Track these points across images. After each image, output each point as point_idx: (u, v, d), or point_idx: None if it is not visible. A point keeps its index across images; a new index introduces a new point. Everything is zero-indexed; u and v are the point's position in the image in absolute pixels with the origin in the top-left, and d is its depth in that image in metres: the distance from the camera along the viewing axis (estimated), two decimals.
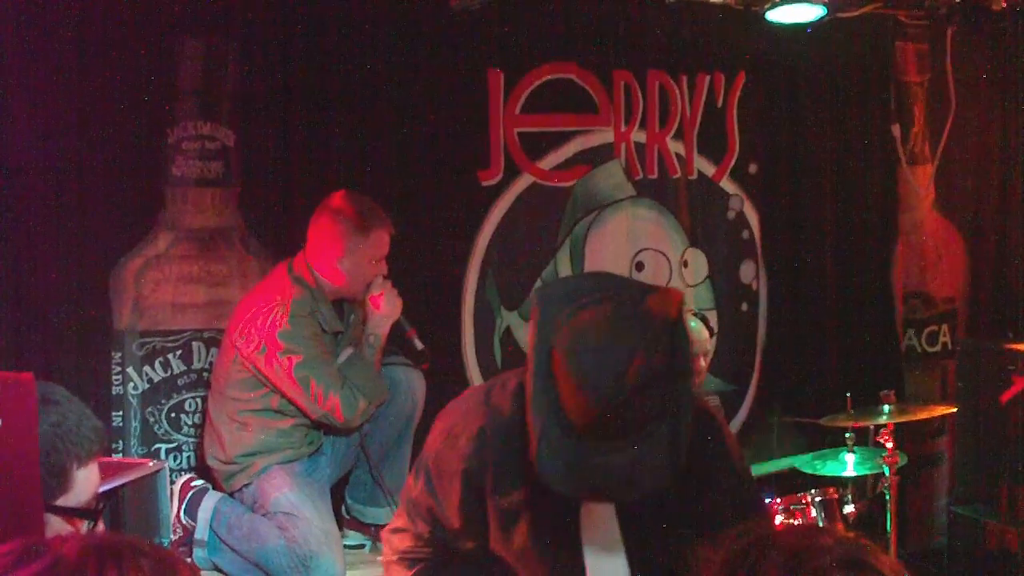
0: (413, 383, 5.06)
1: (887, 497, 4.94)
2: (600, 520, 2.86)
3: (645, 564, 2.89)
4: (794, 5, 5.88)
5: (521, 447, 2.69)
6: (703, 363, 5.52)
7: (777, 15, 5.92)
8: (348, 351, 4.86)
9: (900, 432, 5.01)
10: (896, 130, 6.63)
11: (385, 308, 4.89)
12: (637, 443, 2.45)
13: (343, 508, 5.19)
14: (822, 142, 6.51)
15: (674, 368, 2.47)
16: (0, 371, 2.10)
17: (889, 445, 4.90)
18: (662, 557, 2.87)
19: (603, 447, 2.46)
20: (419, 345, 5.02)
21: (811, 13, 5.92)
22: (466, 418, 2.89)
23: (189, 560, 4.57)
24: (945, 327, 6.77)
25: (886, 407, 4.98)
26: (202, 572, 4.65)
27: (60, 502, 2.10)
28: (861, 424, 5.14)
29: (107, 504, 2.29)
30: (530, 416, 2.51)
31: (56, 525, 2.09)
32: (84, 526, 2.14)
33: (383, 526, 4.93)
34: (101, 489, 2.24)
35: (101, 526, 2.19)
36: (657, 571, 2.89)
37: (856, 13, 6.20)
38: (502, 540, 2.89)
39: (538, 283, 5.93)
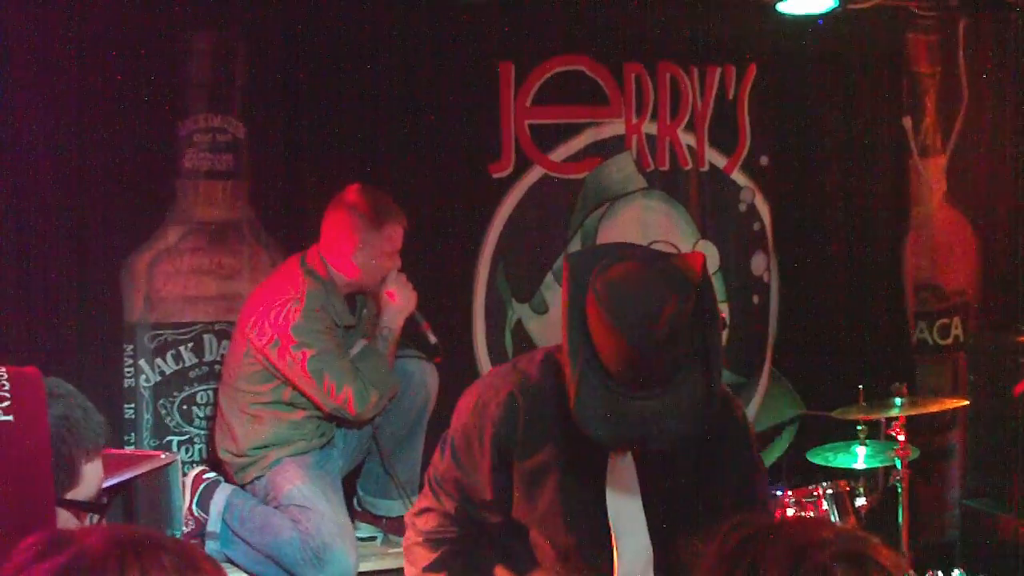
0: (426, 376, 5.06)
1: (899, 490, 4.93)
2: (623, 481, 2.89)
3: (663, 528, 2.93)
4: None
5: (550, 410, 2.80)
6: None
7: (788, 6, 5.90)
8: (360, 344, 4.86)
9: (912, 425, 5.00)
10: (907, 122, 6.61)
11: (399, 301, 4.88)
12: (671, 389, 2.56)
13: (355, 500, 5.19)
14: (833, 134, 6.50)
15: (704, 316, 2.57)
16: (8, 366, 2.11)
17: (901, 438, 4.89)
18: (678, 524, 2.92)
19: (639, 393, 2.56)
20: (432, 339, 5.02)
21: (822, 4, 5.89)
22: (495, 386, 2.95)
23: None
24: (957, 320, 6.75)
25: (898, 400, 4.97)
26: None
27: (69, 496, 2.10)
28: (873, 417, 5.13)
29: (115, 498, 2.29)
30: (567, 369, 2.60)
31: (64, 519, 2.09)
32: (89, 520, 2.15)
33: (395, 518, 5.01)
34: (113, 481, 2.25)
35: (105, 520, 2.20)
36: (674, 536, 2.93)
37: (867, 5, 6.18)
38: (526, 505, 2.91)
39: (548, 276, 5.93)
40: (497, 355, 5.81)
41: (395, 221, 4.83)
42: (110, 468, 2.25)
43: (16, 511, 2.00)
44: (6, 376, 2.06)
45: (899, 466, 4.91)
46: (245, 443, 4.81)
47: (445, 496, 3.05)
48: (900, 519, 4.95)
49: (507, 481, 2.93)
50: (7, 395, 2.04)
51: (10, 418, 2.02)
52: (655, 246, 6.14)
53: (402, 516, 4.94)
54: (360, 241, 4.79)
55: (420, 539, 3.12)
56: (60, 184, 4.95)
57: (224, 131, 5.28)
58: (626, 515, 2.91)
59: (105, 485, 2.25)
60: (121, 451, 4.43)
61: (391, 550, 5.01)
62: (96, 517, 2.17)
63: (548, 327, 5.93)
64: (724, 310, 6.11)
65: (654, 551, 2.93)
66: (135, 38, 5.04)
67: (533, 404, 2.88)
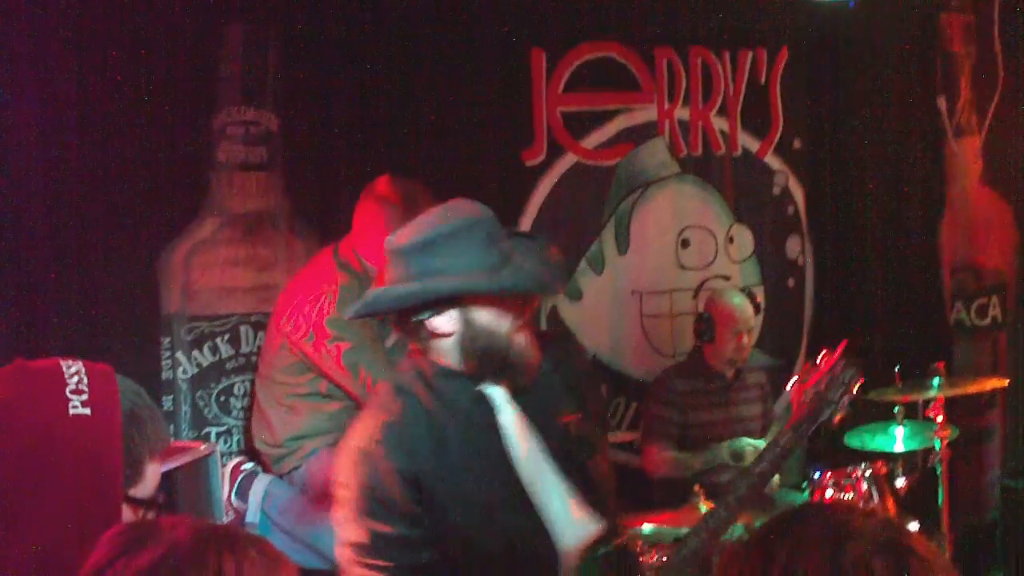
0: None
1: (938, 471, 4.91)
2: (521, 439, 2.87)
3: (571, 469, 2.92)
4: None
5: (422, 424, 2.82)
6: (746, 340, 5.52)
7: None
8: (396, 335, 4.86)
9: (950, 405, 4.97)
10: (942, 102, 6.58)
11: None
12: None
13: None
14: (866, 116, 6.47)
15: None
16: (84, 360, 2.13)
17: (939, 419, 4.86)
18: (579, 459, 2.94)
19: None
20: None
21: None
22: (363, 434, 2.87)
23: None
24: (995, 299, 6.71)
25: (936, 380, 4.95)
26: None
27: (131, 492, 2.12)
28: (910, 398, 5.11)
29: (166, 496, 2.31)
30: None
31: (126, 515, 2.11)
32: (144, 516, 2.16)
33: None
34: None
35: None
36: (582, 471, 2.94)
37: None
38: (444, 516, 2.83)
39: (583, 263, 5.93)
40: None
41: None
42: None
43: (87, 504, 2.02)
44: (84, 371, 2.09)
45: (938, 447, 4.89)
46: (282, 434, 4.83)
47: (377, 566, 2.84)
48: (940, 500, 4.93)
49: (423, 507, 2.82)
50: (84, 389, 2.06)
51: (88, 411, 2.04)
52: (689, 231, 6.15)
53: None
54: (392, 233, 4.77)
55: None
56: (96, 178, 4.98)
57: (257, 123, 5.30)
58: (538, 474, 2.89)
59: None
60: None
61: None
62: (153, 515, 2.18)
63: (583, 314, 5.94)
64: (759, 293, 6.10)
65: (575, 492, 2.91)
66: (169, 32, 5.06)
67: (405, 425, 2.84)
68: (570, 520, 2.87)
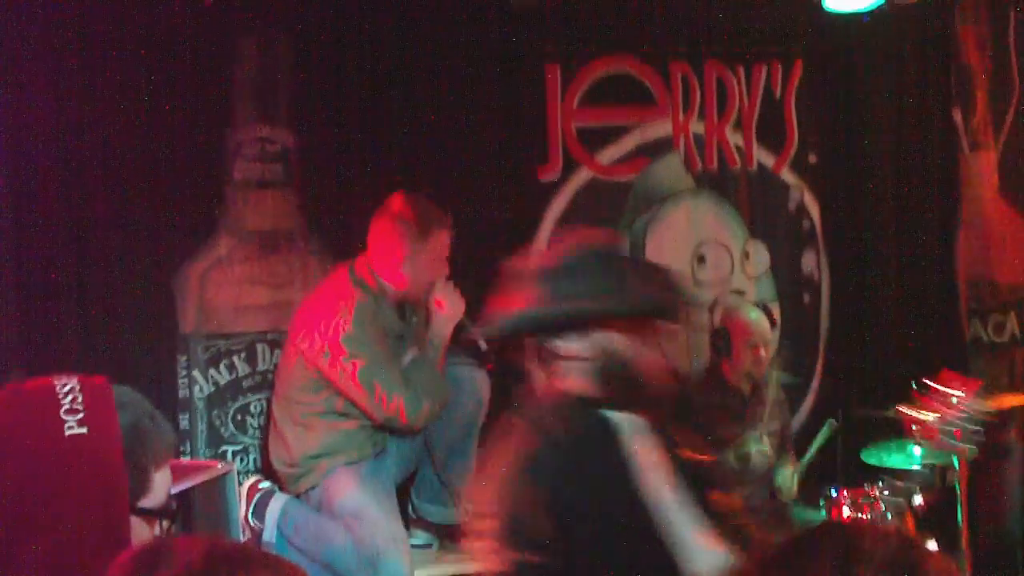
0: (477, 383, 5.03)
1: (956, 489, 4.88)
2: (649, 468, 2.87)
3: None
4: None
5: (565, 452, 2.80)
6: (763, 354, 5.50)
7: (835, 2, 5.85)
8: (412, 353, 4.86)
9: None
10: (957, 115, 6.55)
11: (448, 309, 4.87)
12: None
13: (409, 507, 5.19)
14: (882, 130, 6.45)
15: None
16: (79, 375, 2.13)
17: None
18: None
19: None
20: (483, 345, 5.00)
21: (869, 0, 5.84)
22: (505, 463, 2.87)
23: None
24: (1012, 315, 6.67)
25: (953, 398, 4.92)
26: None
27: (140, 503, 2.12)
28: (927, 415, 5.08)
29: (181, 504, 2.31)
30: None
31: (137, 527, 2.10)
32: (159, 525, 2.16)
33: (449, 526, 5.00)
34: (172, 491, 2.26)
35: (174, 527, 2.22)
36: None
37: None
38: (581, 545, 2.85)
39: None
40: None
41: (441, 228, 4.81)
42: None
43: (93, 521, 2.02)
44: (79, 387, 2.08)
45: (956, 464, 4.86)
46: (298, 453, 4.83)
47: None
48: (959, 518, 4.90)
49: (562, 537, 2.81)
50: (80, 408, 2.05)
51: (84, 430, 2.04)
52: (705, 247, 6.14)
53: (457, 523, 5.00)
54: (407, 251, 4.77)
55: None
56: (112, 196, 5.00)
57: (272, 141, 5.31)
58: (668, 503, 2.89)
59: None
60: (178, 461, 4.45)
61: (447, 557, 5.02)
62: (168, 523, 2.18)
63: None
64: (775, 309, 6.08)
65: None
66: (185, 50, 5.09)
67: (545, 455, 2.83)
68: (699, 550, 2.85)
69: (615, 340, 2.83)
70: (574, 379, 2.86)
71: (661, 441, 2.91)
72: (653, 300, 2.89)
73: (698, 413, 5.47)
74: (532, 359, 2.93)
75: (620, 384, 2.84)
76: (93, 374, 2.14)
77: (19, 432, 2.04)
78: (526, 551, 2.79)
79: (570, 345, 2.82)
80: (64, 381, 2.09)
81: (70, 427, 2.03)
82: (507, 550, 2.81)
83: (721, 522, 2.92)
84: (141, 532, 2.11)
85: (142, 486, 2.12)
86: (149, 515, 2.14)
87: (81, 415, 2.04)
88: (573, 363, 2.84)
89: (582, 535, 2.81)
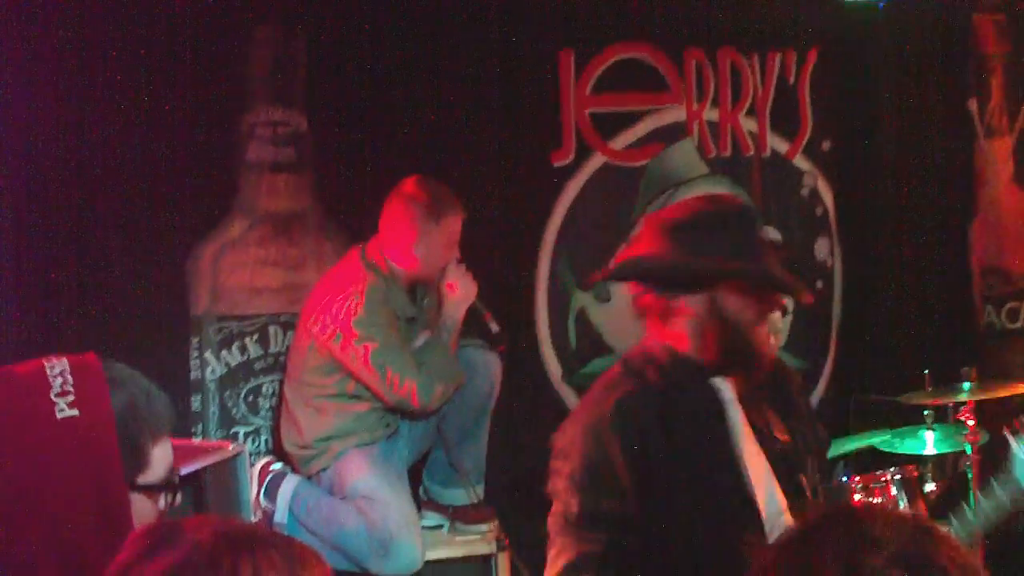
0: (489, 365, 5.04)
1: (969, 475, 4.87)
2: (745, 437, 2.88)
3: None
4: None
5: (658, 405, 2.80)
6: (774, 341, 5.48)
7: None
8: (424, 336, 4.86)
9: (981, 409, 4.93)
10: (973, 104, 6.52)
11: (460, 292, 4.87)
12: None
13: (420, 489, 5.20)
14: (896, 117, 6.43)
15: None
16: (68, 355, 2.12)
17: (971, 423, 4.83)
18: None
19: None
20: (495, 327, 5.01)
21: None
22: (596, 410, 2.85)
23: None
24: None
25: (966, 384, 4.91)
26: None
27: (140, 480, 2.12)
28: (940, 402, 5.07)
29: (185, 489, 2.30)
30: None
31: (139, 504, 2.11)
32: (162, 500, 2.16)
33: (460, 507, 5.01)
34: (183, 472, 2.26)
35: (180, 498, 2.22)
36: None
37: None
38: (663, 499, 2.83)
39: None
40: (560, 343, 5.81)
41: (454, 212, 4.81)
42: (179, 459, 2.26)
43: (91, 503, 2.03)
44: (69, 369, 2.08)
45: (969, 451, 4.85)
46: (310, 435, 4.83)
47: (589, 534, 2.82)
48: (971, 505, 4.89)
49: (644, 488, 2.80)
50: (70, 389, 2.05)
51: (76, 412, 2.04)
52: None
53: (468, 504, 5.00)
54: (419, 233, 4.77)
55: None
56: (125, 178, 5.01)
57: (286, 124, 5.31)
58: (760, 475, 2.89)
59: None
60: (189, 442, 4.46)
61: (457, 538, 5.03)
62: (171, 497, 2.18)
63: (612, 316, 5.92)
64: (786, 296, 6.05)
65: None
66: (199, 33, 5.09)
67: (635, 405, 2.82)
68: (784, 525, 2.82)
69: (732, 303, 2.79)
70: (681, 334, 2.84)
71: (753, 414, 2.91)
72: (777, 273, 2.85)
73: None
74: (642, 305, 2.90)
75: (726, 348, 2.81)
76: (105, 355, 2.14)
77: (11, 419, 2.05)
78: (603, 497, 2.78)
79: (686, 300, 2.79)
80: (53, 363, 2.09)
81: (61, 410, 2.03)
82: (583, 493, 2.79)
83: (804, 506, 2.90)
84: (143, 509, 2.11)
85: (140, 463, 2.12)
86: (150, 491, 2.14)
87: (72, 397, 2.05)
88: (684, 319, 2.81)
89: (666, 487, 2.79)
